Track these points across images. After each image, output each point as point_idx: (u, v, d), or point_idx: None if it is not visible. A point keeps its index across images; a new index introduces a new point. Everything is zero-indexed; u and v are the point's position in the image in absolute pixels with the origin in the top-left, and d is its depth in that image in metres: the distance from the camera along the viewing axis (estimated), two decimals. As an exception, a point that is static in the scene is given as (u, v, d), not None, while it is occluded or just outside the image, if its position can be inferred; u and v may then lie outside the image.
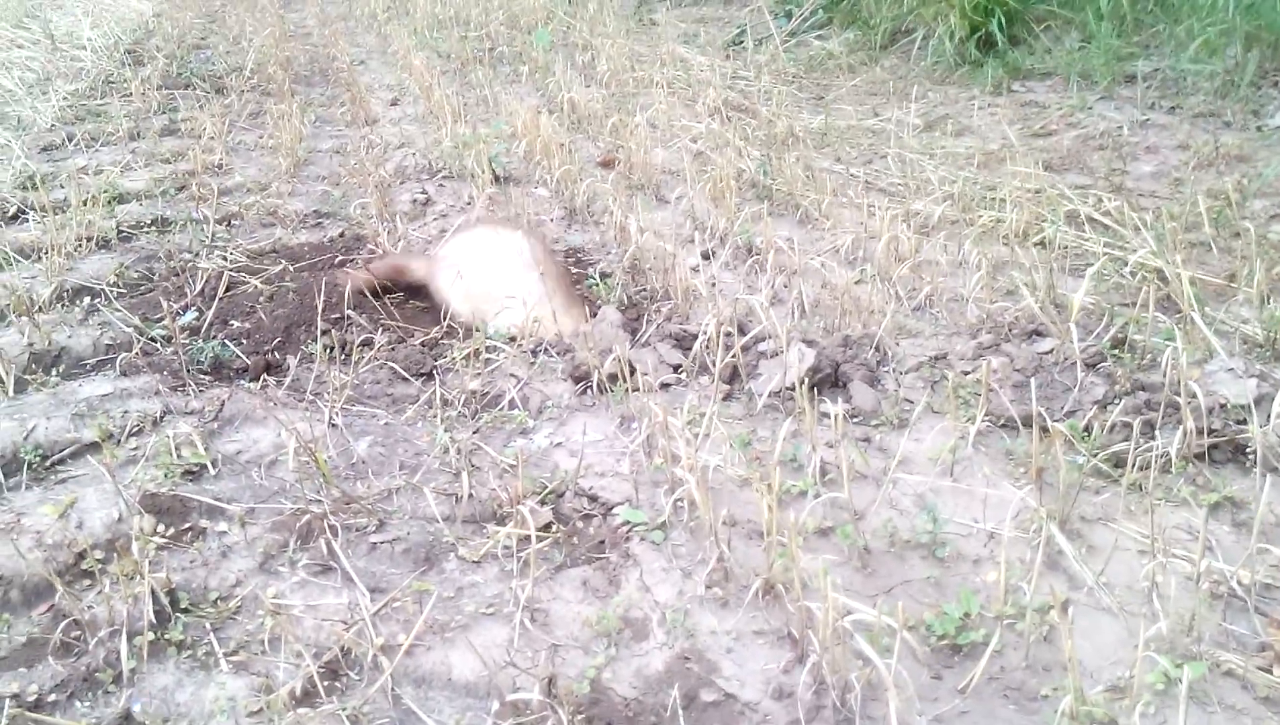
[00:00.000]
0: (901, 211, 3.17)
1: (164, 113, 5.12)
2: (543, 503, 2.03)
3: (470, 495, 2.03)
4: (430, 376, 2.54)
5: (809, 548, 1.83)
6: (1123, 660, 1.57)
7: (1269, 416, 1.96)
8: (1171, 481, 1.94)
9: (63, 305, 2.97)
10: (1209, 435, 1.96)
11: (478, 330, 2.63)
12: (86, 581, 1.84)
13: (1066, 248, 2.95)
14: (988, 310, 2.61)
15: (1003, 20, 4.91)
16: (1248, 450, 1.96)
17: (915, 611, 1.67)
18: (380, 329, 2.76)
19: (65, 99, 5.27)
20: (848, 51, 5.53)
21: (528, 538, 1.85)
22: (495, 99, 5.04)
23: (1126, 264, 2.77)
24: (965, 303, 2.68)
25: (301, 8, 8.71)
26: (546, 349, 2.62)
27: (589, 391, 2.42)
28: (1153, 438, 1.96)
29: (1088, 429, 2.04)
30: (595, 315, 2.72)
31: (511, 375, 2.50)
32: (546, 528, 1.94)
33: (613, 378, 2.37)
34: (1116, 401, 2.08)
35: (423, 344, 2.72)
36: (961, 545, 1.84)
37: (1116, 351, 2.33)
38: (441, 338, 2.74)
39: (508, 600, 1.78)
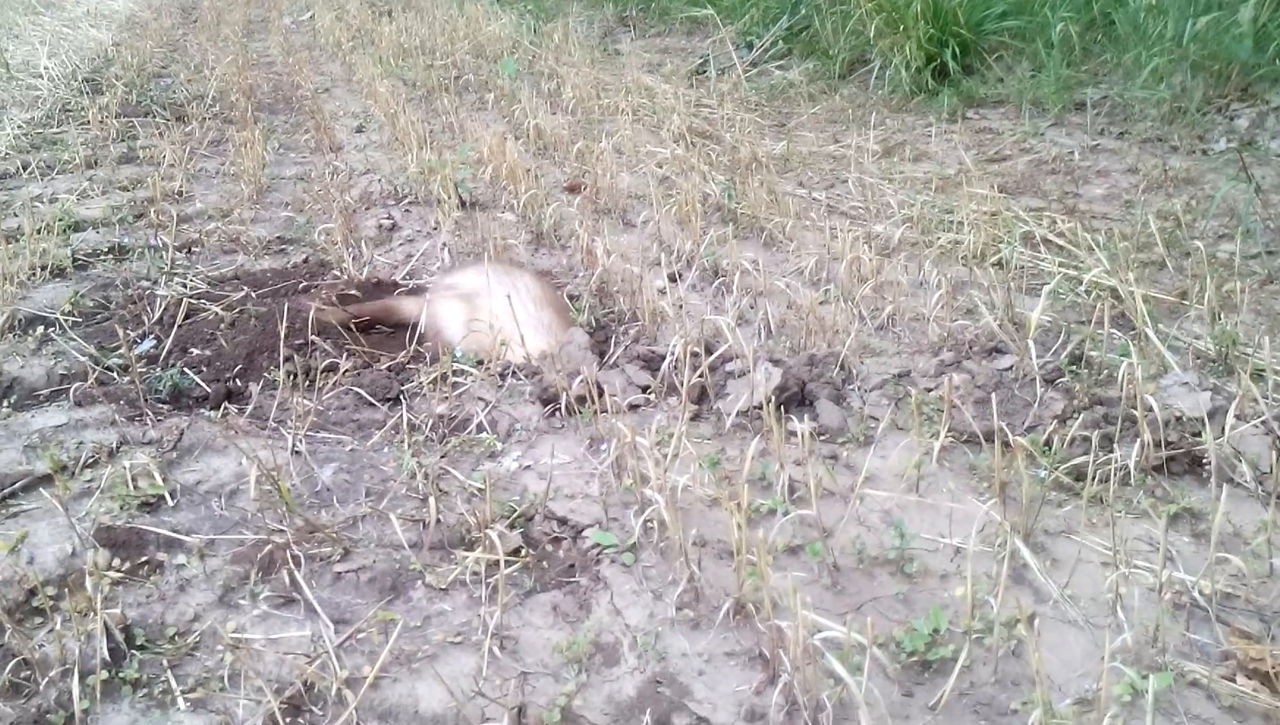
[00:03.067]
0: (863, 234, 3.22)
1: (123, 140, 5.06)
2: (512, 527, 2.01)
3: (438, 521, 2.00)
4: (397, 401, 2.51)
5: (778, 566, 1.83)
6: (1090, 672, 1.59)
7: (1223, 429, 2.00)
8: (1131, 493, 1.97)
9: (15, 335, 2.90)
10: (1166, 448, 2.00)
11: (444, 353, 2.61)
12: (37, 619, 1.78)
13: (1023, 268, 3.01)
14: (948, 328, 2.65)
15: (956, 50, 5.04)
16: (1204, 462, 2.01)
17: (885, 628, 1.68)
18: (345, 354, 2.73)
19: (20, 127, 5.18)
20: (808, 80, 5.64)
21: (496, 563, 1.83)
22: (461, 126, 5.05)
23: (1081, 283, 2.83)
24: (926, 322, 2.72)
25: (265, 37, 8.67)
26: (515, 372, 2.61)
27: (557, 413, 2.41)
28: (1111, 451, 1.99)
29: (1048, 443, 2.08)
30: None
31: (479, 398, 2.48)
32: (516, 552, 1.92)
33: (581, 400, 2.36)
34: (1075, 416, 2.11)
35: (389, 369, 2.69)
36: (929, 560, 1.85)
37: (1074, 367, 2.37)
38: (408, 362, 2.72)
39: (476, 628, 1.75)
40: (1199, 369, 2.34)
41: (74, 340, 2.82)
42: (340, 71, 6.97)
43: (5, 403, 2.52)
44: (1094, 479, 1.94)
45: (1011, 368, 2.37)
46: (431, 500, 2.02)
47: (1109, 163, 4.04)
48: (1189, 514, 1.93)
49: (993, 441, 1.94)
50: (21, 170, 4.51)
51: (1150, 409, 2.00)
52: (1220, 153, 3.93)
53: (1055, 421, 2.12)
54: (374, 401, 2.51)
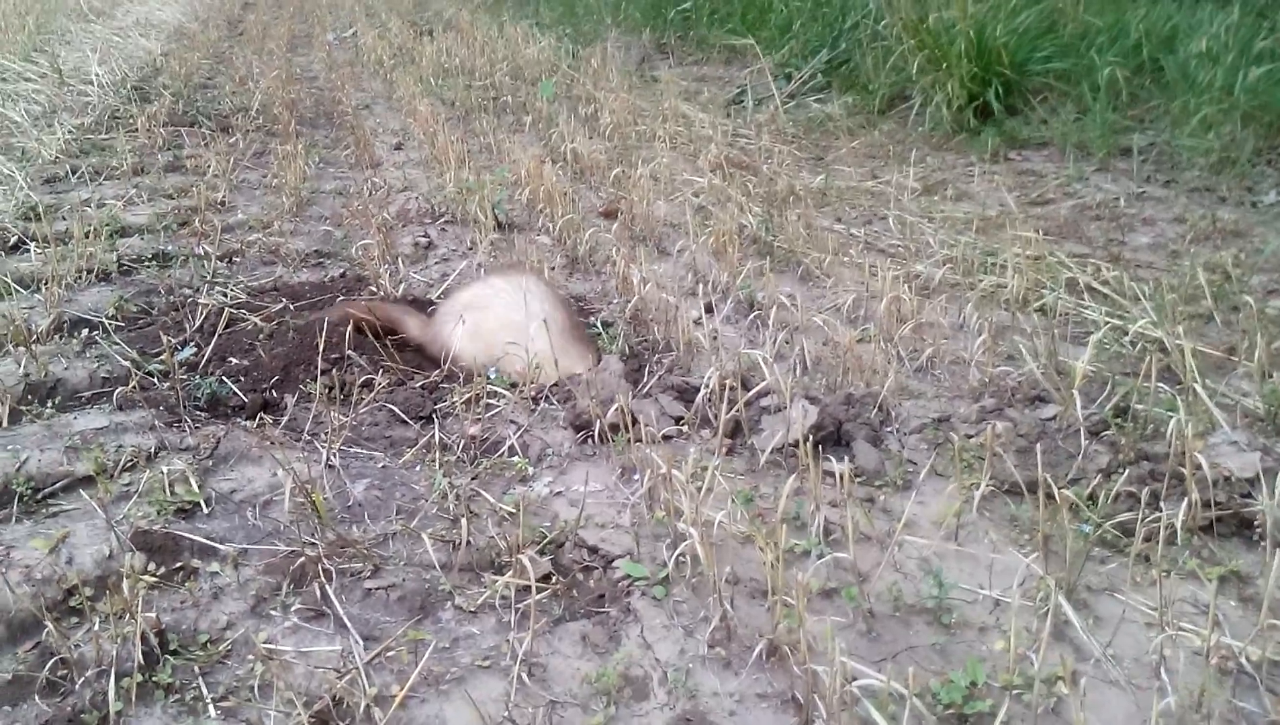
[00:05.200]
0: (903, 273, 3.20)
1: (169, 149, 5.15)
2: (542, 553, 1.99)
3: (468, 543, 2.00)
4: (429, 420, 2.52)
5: (812, 609, 1.80)
6: (1132, 735, 1.54)
7: (1275, 491, 1.96)
8: (1176, 553, 1.93)
9: (60, 336, 2.94)
10: (1214, 508, 1.96)
11: (479, 375, 2.62)
12: (75, 619, 1.79)
13: (1067, 315, 2.98)
14: (990, 374, 2.61)
15: (1000, 90, 5.02)
16: (1254, 524, 1.96)
17: (921, 679, 1.64)
18: (380, 370, 2.74)
19: (70, 132, 5.29)
20: (846, 114, 5.64)
21: (526, 588, 1.82)
22: (498, 147, 5.10)
23: (1126, 333, 2.79)
24: (967, 366, 2.69)
25: (308, 52, 8.83)
26: (548, 396, 2.61)
27: (590, 441, 2.40)
28: (1157, 508, 1.95)
29: (1092, 497, 2.04)
30: (599, 361, 2.71)
31: (512, 422, 2.48)
32: (546, 579, 1.91)
33: (614, 428, 2.36)
34: (1121, 470, 2.08)
35: (422, 387, 2.70)
36: (967, 612, 1.82)
37: (1119, 420, 2.33)
38: (441, 382, 2.73)
39: (505, 653, 1.74)
40: (1248, 428, 2.29)
41: (117, 344, 2.86)
42: (381, 89, 7.08)
43: (49, 403, 2.55)
44: (1140, 537, 1.90)
45: (1055, 418, 2.33)
46: (463, 522, 2.02)
47: (1155, 211, 3.99)
48: (1236, 577, 1.88)
49: (1035, 492, 1.91)
50: (71, 174, 4.60)
51: (1199, 467, 1.96)
52: (1270, 206, 3.88)
53: (1099, 475, 2.08)
54: (407, 419, 2.52)
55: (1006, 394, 2.50)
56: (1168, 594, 1.76)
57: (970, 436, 2.30)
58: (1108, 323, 2.86)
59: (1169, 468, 2.07)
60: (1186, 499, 1.93)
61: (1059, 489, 1.89)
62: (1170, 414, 2.20)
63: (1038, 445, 2.05)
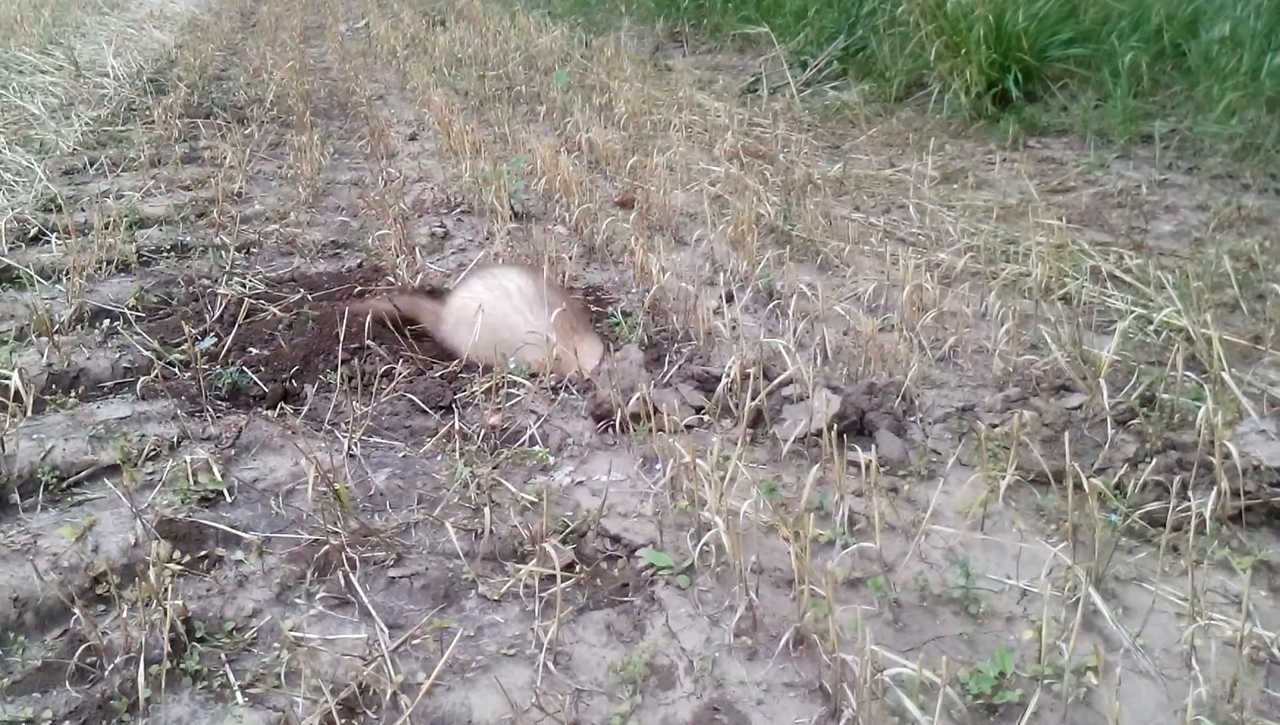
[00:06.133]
0: (924, 261, 3.18)
1: (185, 141, 5.16)
2: (564, 542, 1.99)
3: (491, 532, 2.00)
4: (449, 410, 2.52)
5: (838, 598, 1.79)
6: (1163, 725, 1.53)
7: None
8: (1206, 543, 1.91)
9: (82, 327, 2.96)
10: (1243, 497, 1.94)
11: (498, 365, 2.61)
12: (103, 606, 1.80)
13: (1090, 304, 2.95)
14: (1014, 363, 2.59)
15: (1019, 76, 4.97)
16: (1285, 514, 1.94)
17: (950, 669, 1.63)
18: (400, 360, 2.74)
19: (88, 124, 5.31)
20: (863, 102, 5.60)
21: (549, 577, 1.81)
22: (513, 137, 5.09)
23: (1151, 322, 2.76)
24: (991, 355, 2.67)
25: (321, 43, 8.83)
26: (568, 386, 2.60)
27: (610, 430, 2.39)
28: (1186, 497, 1.93)
29: (1120, 487, 2.02)
30: (618, 351, 2.70)
31: (531, 411, 2.48)
32: (569, 567, 1.91)
33: (635, 417, 2.35)
34: (1148, 460, 2.06)
35: (442, 377, 2.70)
36: (994, 601, 1.81)
37: (1146, 409, 2.31)
38: (461, 372, 2.72)
39: (529, 641, 1.74)
40: (1276, 416, 2.26)
41: (138, 334, 2.87)
42: (395, 79, 7.07)
43: (73, 392, 2.57)
44: (1169, 526, 1.88)
45: (1081, 407, 2.31)
46: (485, 511, 2.02)
47: (1177, 198, 3.95)
48: (1266, 567, 1.87)
49: (1061, 482, 1.90)
50: (89, 166, 4.62)
51: (1228, 456, 1.94)
52: (1295, 193, 3.83)
53: (1127, 464, 2.06)
54: (427, 409, 2.52)
55: (1031, 383, 2.48)
56: (1198, 584, 1.75)
57: (995, 426, 2.28)
58: (1132, 311, 2.83)
59: (1197, 457, 2.05)
60: (1215, 488, 1.91)
61: (1086, 478, 1.87)
62: (1197, 403, 2.17)
63: (1065, 434, 2.03)
